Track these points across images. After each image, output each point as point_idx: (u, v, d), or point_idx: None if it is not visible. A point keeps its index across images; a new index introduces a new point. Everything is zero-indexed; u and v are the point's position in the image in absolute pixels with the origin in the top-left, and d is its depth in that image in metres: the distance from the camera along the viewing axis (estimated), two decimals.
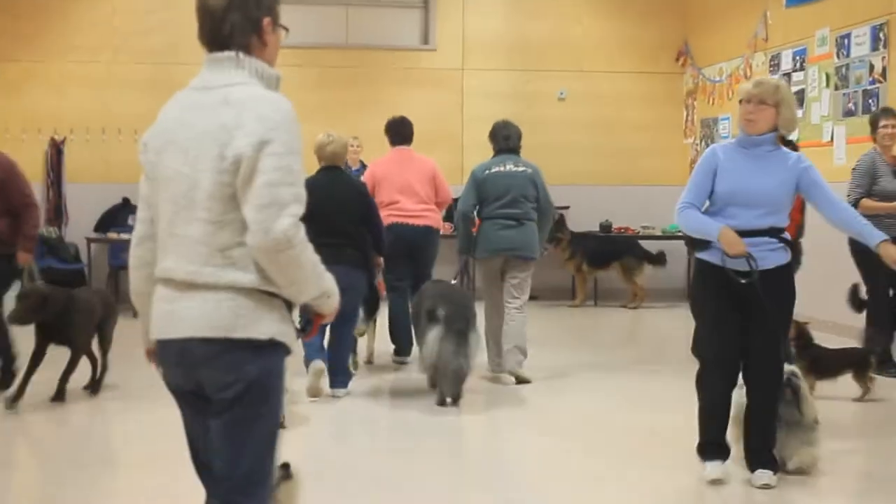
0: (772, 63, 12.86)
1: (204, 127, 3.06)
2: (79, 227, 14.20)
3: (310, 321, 3.26)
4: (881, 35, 10.61)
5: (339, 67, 14.84)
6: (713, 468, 5.58)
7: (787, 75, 12.45)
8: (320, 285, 3.13)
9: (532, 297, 9.40)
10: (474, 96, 14.80)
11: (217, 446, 3.14)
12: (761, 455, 5.59)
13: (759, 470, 5.55)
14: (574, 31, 15.24)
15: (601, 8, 15.39)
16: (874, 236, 5.57)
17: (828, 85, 11.62)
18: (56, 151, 14.39)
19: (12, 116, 14.32)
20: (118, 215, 14.24)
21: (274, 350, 3.11)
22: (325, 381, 7.84)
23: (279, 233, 2.92)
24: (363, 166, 13.01)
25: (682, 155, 15.48)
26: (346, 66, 14.86)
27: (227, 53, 3.15)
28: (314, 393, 7.77)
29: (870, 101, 10.78)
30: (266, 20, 3.22)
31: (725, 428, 5.66)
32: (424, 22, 15.32)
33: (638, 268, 14.12)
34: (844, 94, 11.29)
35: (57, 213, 14.38)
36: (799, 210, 8.42)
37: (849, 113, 11.20)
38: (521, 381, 8.58)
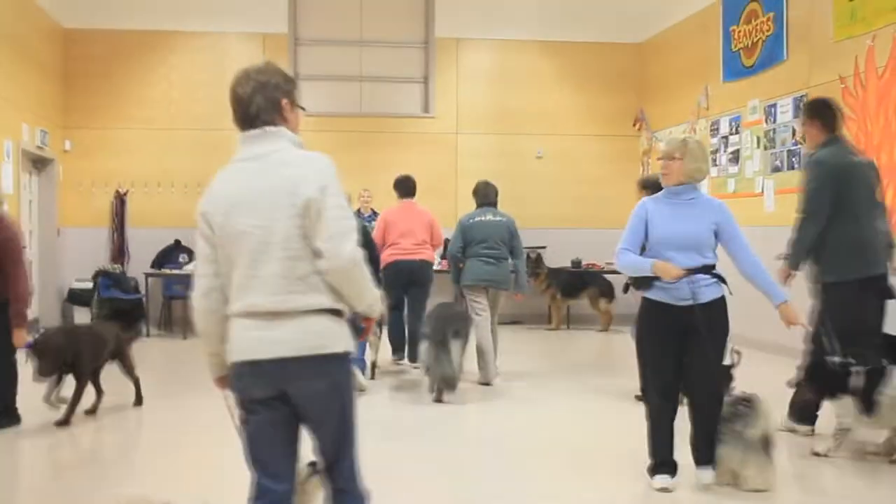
0: (712, 128, 12.95)
1: (269, 185, 3.21)
2: (138, 264, 14.26)
3: (358, 326, 3.43)
4: (801, 105, 10.68)
5: (354, 132, 14.94)
6: (661, 479, 5.35)
7: (725, 138, 12.54)
8: (374, 294, 3.34)
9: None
10: (467, 155, 14.90)
11: (322, 438, 3.34)
12: (704, 454, 5.36)
13: (701, 467, 5.37)
14: (549, 101, 15.36)
15: (572, 82, 15.50)
16: (777, 295, 5.28)
17: (759, 146, 11.70)
18: (120, 202, 14.49)
19: (85, 174, 14.43)
20: (171, 254, 14.32)
21: (347, 358, 3.32)
22: None
23: (347, 254, 3.16)
24: (374, 214, 13.19)
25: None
26: (360, 131, 14.97)
27: (256, 131, 3.31)
28: None
29: (793, 159, 10.86)
30: (284, 101, 3.35)
31: (672, 449, 5.37)
32: (425, 94, 15.43)
33: (601, 297, 14.16)
34: (772, 153, 11.37)
35: (120, 252, 14.47)
36: None
37: (776, 169, 11.27)
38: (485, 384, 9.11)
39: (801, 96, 10.68)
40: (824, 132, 6.60)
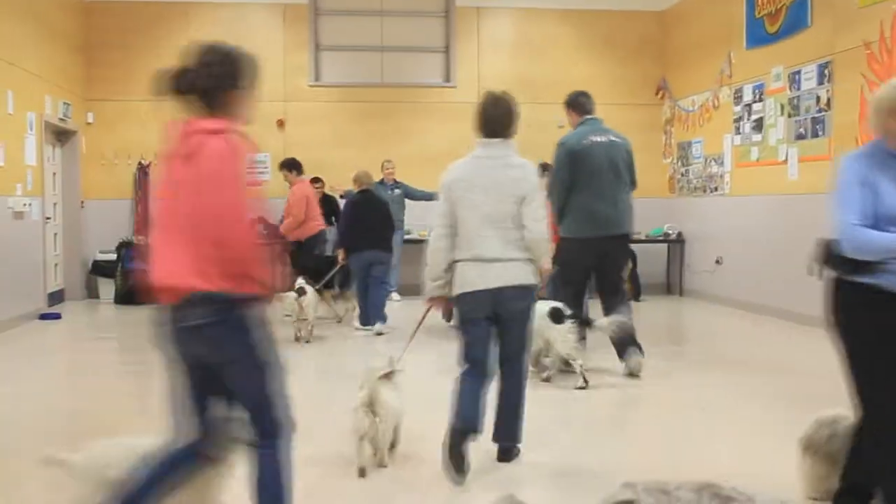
0: (735, 95, 12.86)
1: (498, 177, 5.05)
2: None
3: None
4: (826, 72, 10.60)
5: (375, 102, 14.94)
6: None
7: (749, 106, 12.45)
8: (548, 254, 5.26)
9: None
10: None
11: (511, 339, 5.16)
12: None
13: None
14: (570, 70, 15.24)
15: (593, 51, 15.42)
16: None
17: (782, 113, 11.60)
18: (143, 173, 14.55)
19: (108, 145, 14.51)
20: None
21: (534, 289, 5.20)
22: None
23: (542, 231, 5.08)
24: (396, 183, 13.31)
25: (662, 172, 15.49)
26: (381, 101, 14.95)
27: (498, 139, 5.14)
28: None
29: (817, 127, 10.77)
30: (517, 123, 5.21)
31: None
32: (446, 64, 15.38)
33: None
34: (796, 120, 11.27)
35: (145, 224, 14.53)
36: None
37: (800, 137, 11.18)
38: None
39: (826, 63, 10.58)
40: (577, 116, 8.19)
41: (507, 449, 5.26)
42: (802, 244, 11.74)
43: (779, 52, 11.67)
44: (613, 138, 8.03)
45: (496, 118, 5.11)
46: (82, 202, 14.25)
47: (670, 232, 14.83)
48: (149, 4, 14.52)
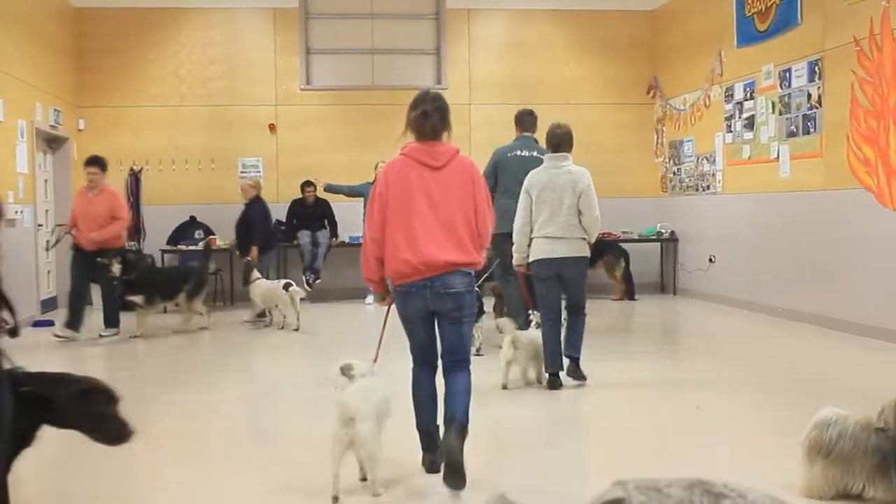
0: (726, 94, 12.89)
1: (563, 180, 7.19)
2: (154, 241, 14.33)
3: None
4: (816, 69, 10.63)
5: (367, 105, 14.94)
6: None
7: (740, 104, 12.48)
8: (597, 233, 7.29)
9: None
10: (480, 126, 14.84)
11: (571, 294, 7.29)
12: None
13: None
14: (561, 71, 15.30)
15: (584, 51, 15.44)
16: None
17: (773, 111, 11.63)
18: (135, 180, 14.48)
19: (99, 151, 14.32)
20: (186, 230, 14.38)
21: (588, 258, 7.26)
22: None
23: (596, 216, 7.17)
24: None
25: (654, 172, 15.52)
26: (373, 104, 14.95)
27: (561, 153, 7.36)
28: None
29: (808, 124, 10.80)
30: (572, 143, 7.43)
31: None
32: (437, 66, 15.39)
33: (617, 264, 14.17)
34: (787, 118, 11.30)
35: (136, 230, 14.48)
36: None
37: (791, 134, 11.21)
38: None
39: (816, 60, 10.61)
40: (518, 131, 9.41)
41: (574, 359, 7.33)
42: (795, 241, 11.82)
43: (769, 49, 11.70)
44: (536, 154, 9.03)
45: (559, 138, 7.35)
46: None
47: (663, 231, 14.86)
48: (139, 11, 14.50)
